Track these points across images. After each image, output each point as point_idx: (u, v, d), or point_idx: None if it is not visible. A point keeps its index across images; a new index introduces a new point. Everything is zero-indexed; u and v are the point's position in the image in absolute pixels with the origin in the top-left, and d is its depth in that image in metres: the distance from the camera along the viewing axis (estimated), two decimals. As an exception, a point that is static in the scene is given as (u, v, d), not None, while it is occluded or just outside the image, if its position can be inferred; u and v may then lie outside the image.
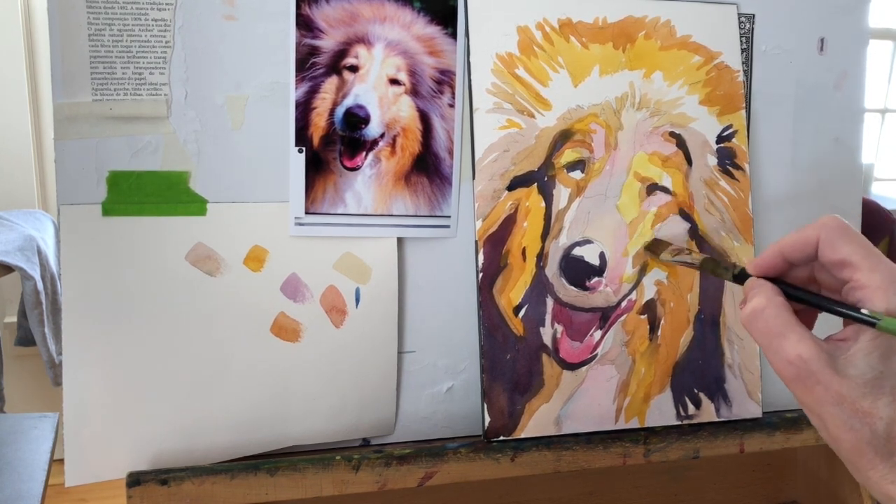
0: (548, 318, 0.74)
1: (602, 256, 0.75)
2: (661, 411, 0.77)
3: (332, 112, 0.70)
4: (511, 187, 0.73)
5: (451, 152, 0.73)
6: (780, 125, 0.82)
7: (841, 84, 0.84)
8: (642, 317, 0.76)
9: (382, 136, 0.71)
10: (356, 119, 0.70)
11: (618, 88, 0.75)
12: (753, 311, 0.43)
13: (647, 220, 0.76)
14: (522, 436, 0.73)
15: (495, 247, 0.72)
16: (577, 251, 0.74)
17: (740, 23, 0.80)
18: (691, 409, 0.77)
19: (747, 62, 0.80)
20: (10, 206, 1.88)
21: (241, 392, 0.70)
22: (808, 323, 0.46)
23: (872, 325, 0.39)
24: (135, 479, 0.65)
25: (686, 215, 0.77)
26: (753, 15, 0.80)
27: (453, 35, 0.72)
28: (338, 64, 0.70)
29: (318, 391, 0.72)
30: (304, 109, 0.69)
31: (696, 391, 0.78)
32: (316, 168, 0.70)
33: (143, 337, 0.68)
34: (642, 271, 0.76)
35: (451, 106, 0.73)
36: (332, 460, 0.69)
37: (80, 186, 0.66)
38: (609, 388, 0.75)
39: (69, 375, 0.67)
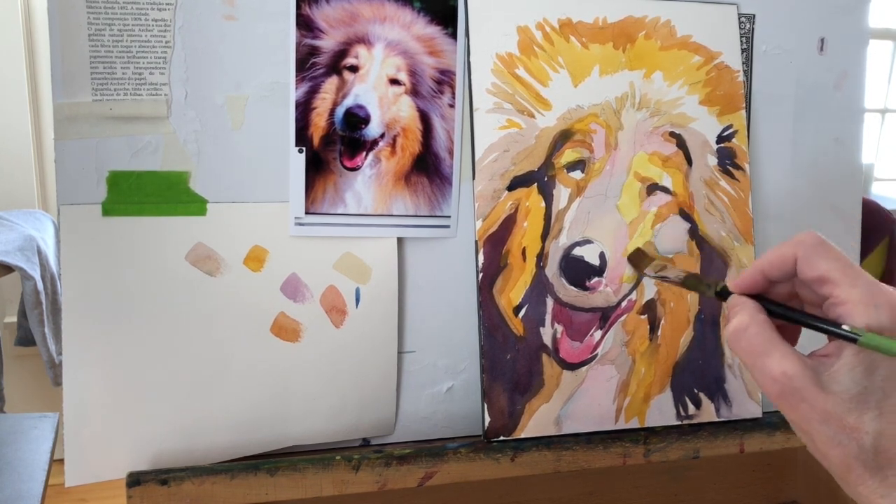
0: (548, 318, 0.74)
1: (602, 256, 0.75)
2: (661, 411, 0.77)
3: (332, 112, 0.70)
4: (511, 187, 0.73)
5: (451, 152, 0.73)
6: (780, 125, 0.82)
7: (841, 84, 0.84)
8: (642, 317, 0.76)
9: (382, 136, 0.71)
10: (356, 119, 0.70)
11: (618, 88, 0.75)
12: (736, 329, 0.43)
13: (648, 220, 0.76)
14: (522, 436, 0.73)
15: (495, 247, 0.72)
16: (577, 251, 0.74)
17: (740, 23, 0.80)
18: (691, 409, 0.77)
19: (747, 62, 0.80)
20: (10, 206, 1.88)
21: (241, 392, 0.70)
22: (793, 339, 0.46)
23: (854, 340, 0.39)
24: (135, 479, 0.65)
25: (686, 215, 0.77)
26: (753, 15, 0.80)
27: (453, 35, 0.72)
28: (338, 64, 0.70)
29: (318, 391, 0.72)
30: (304, 109, 0.69)
31: (696, 391, 0.78)
32: (316, 168, 0.70)
33: (143, 337, 0.68)
34: (642, 271, 0.76)
35: (451, 106, 0.73)
36: (332, 460, 0.69)
37: (80, 186, 0.66)
38: (609, 388, 0.75)
39: (69, 375, 0.67)
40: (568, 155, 0.74)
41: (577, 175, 0.74)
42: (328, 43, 0.69)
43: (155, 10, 0.66)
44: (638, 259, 0.73)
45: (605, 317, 0.75)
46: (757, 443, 0.79)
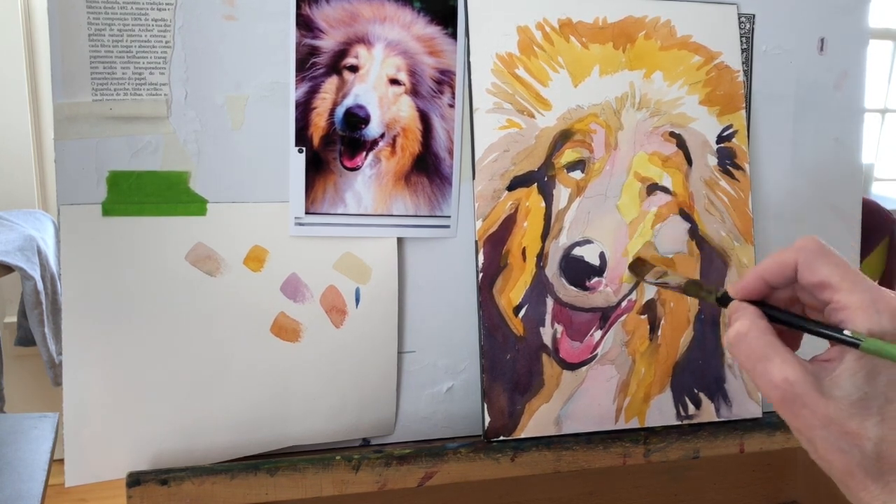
0: (548, 318, 0.74)
1: (602, 256, 0.75)
2: (661, 411, 0.77)
3: (332, 112, 0.70)
4: (511, 187, 0.73)
5: (451, 152, 0.73)
6: (780, 125, 0.82)
7: (841, 84, 0.84)
8: (642, 317, 0.76)
9: (382, 136, 0.71)
10: (356, 119, 0.70)
11: (618, 88, 0.75)
12: (737, 334, 0.43)
13: (648, 220, 0.76)
14: (522, 436, 0.73)
15: (495, 247, 0.72)
16: (577, 251, 0.74)
17: (740, 23, 0.80)
18: (691, 409, 0.77)
19: (747, 62, 0.80)
20: (10, 206, 1.88)
21: (241, 392, 0.70)
22: (793, 344, 0.46)
23: (856, 345, 0.39)
24: (135, 479, 0.65)
25: (686, 215, 0.77)
26: (753, 15, 0.80)
27: (453, 35, 0.72)
28: (338, 64, 0.70)
29: (318, 391, 0.72)
30: (304, 109, 0.69)
31: (696, 391, 0.78)
32: (316, 168, 0.70)
33: (143, 337, 0.68)
34: (642, 271, 0.76)
35: (451, 106, 0.73)
36: (332, 460, 0.69)
37: (80, 186, 0.66)
38: (609, 388, 0.75)
39: (69, 375, 0.67)
40: (568, 155, 0.74)
41: (577, 175, 0.74)
42: (328, 43, 0.69)
43: (155, 10, 0.66)
44: (638, 267, 0.73)
45: (605, 317, 0.75)
46: (757, 443, 0.79)
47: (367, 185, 0.71)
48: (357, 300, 0.72)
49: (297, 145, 0.69)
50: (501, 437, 0.72)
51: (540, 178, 0.73)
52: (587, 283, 0.74)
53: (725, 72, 0.79)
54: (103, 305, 0.67)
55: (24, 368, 2.01)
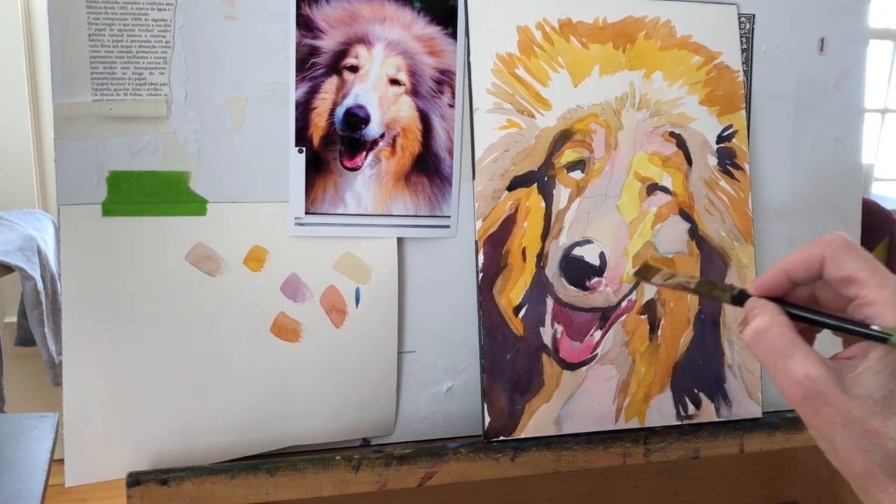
0: (548, 318, 0.74)
1: (602, 256, 0.75)
2: (661, 411, 0.77)
3: (332, 112, 0.70)
4: (511, 187, 0.73)
5: (451, 152, 0.73)
6: (780, 125, 0.82)
7: (841, 84, 0.84)
8: (642, 317, 0.76)
9: (382, 136, 0.71)
10: (356, 119, 0.70)
11: (618, 88, 0.75)
12: (757, 331, 0.42)
13: (648, 220, 0.76)
14: (522, 436, 0.73)
15: (495, 247, 0.72)
16: (577, 251, 0.74)
17: (740, 23, 0.80)
18: (691, 409, 0.77)
19: (747, 62, 0.80)
20: (10, 206, 1.88)
21: (241, 392, 0.70)
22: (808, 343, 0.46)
23: (884, 340, 0.38)
24: (135, 479, 0.65)
25: (686, 215, 0.77)
26: (753, 15, 0.80)
27: (453, 35, 0.72)
28: (338, 64, 0.70)
29: (318, 391, 0.72)
30: (304, 109, 0.69)
31: (696, 391, 0.78)
32: (316, 168, 0.70)
33: (143, 337, 0.68)
34: (642, 271, 0.76)
35: (451, 106, 0.73)
36: (332, 460, 0.69)
37: (80, 186, 0.66)
38: (609, 388, 0.75)
39: (69, 375, 0.67)
40: (568, 155, 0.74)
41: (577, 175, 0.74)
42: (328, 43, 0.69)
43: (155, 10, 0.66)
44: (645, 272, 0.70)
45: (605, 317, 0.75)
46: (757, 443, 0.79)
47: (367, 185, 0.71)
48: (357, 300, 0.72)
49: (297, 145, 0.69)
50: (501, 437, 0.72)
51: (540, 178, 0.73)
52: (587, 283, 0.74)
53: (725, 72, 0.79)
54: (103, 305, 0.67)
55: (24, 368, 2.01)
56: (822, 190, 0.84)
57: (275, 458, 0.69)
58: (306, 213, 0.70)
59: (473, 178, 0.72)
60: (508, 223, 0.73)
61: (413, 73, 0.71)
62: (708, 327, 0.78)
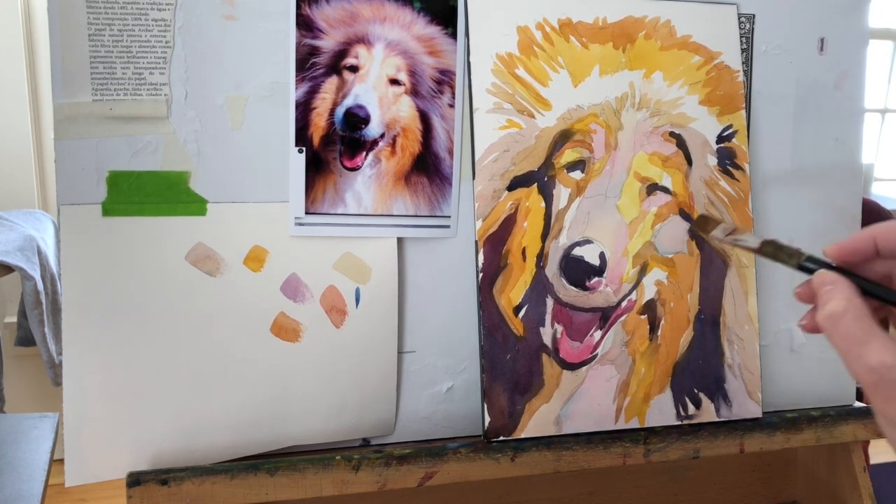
0: (548, 318, 0.74)
1: (602, 256, 0.75)
2: (661, 411, 0.77)
3: (332, 112, 0.70)
4: (511, 187, 0.73)
5: (451, 152, 0.73)
6: (780, 125, 0.82)
7: (841, 84, 0.84)
8: (642, 317, 0.76)
9: (382, 136, 0.71)
10: (356, 119, 0.70)
11: (618, 88, 0.75)
12: (832, 314, 0.41)
13: (648, 220, 0.76)
14: (522, 436, 0.73)
15: (495, 247, 0.72)
16: (577, 251, 0.74)
17: (740, 23, 0.80)
18: (691, 409, 0.77)
19: (747, 62, 0.80)
20: (10, 206, 1.88)
21: (241, 392, 0.70)
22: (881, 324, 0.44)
23: None
24: (135, 479, 0.65)
25: (686, 215, 0.77)
26: (753, 15, 0.80)
27: (453, 35, 0.72)
28: (338, 64, 0.70)
29: (318, 391, 0.72)
30: (304, 109, 0.69)
31: (696, 391, 0.78)
32: (316, 168, 0.70)
33: (143, 337, 0.68)
34: (642, 271, 0.76)
35: (451, 106, 0.73)
36: (332, 460, 0.69)
37: (80, 186, 0.66)
38: (609, 388, 0.75)
39: (69, 375, 0.67)
40: (568, 155, 0.74)
41: (577, 175, 0.74)
42: (328, 43, 0.69)
43: (155, 10, 0.66)
44: (703, 224, 0.61)
45: (605, 317, 0.75)
46: (757, 443, 0.79)
47: (367, 185, 0.71)
48: (357, 300, 0.72)
49: (297, 145, 0.69)
50: (501, 437, 0.72)
51: (540, 178, 0.73)
52: (587, 283, 0.74)
53: (725, 72, 0.79)
54: (103, 305, 0.67)
55: (24, 368, 2.01)
56: (822, 190, 0.84)
57: (275, 458, 0.69)
58: (306, 213, 0.70)
59: (473, 178, 0.72)
60: (508, 223, 0.73)
61: (413, 73, 0.71)
62: (708, 327, 0.78)
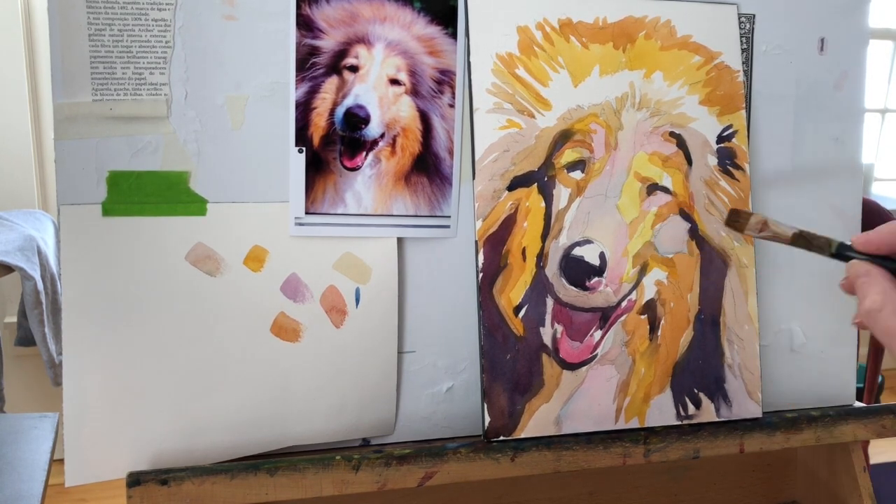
0: (548, 318, 0.74)
1: (602, 256, 0.75)
2: (661, 411, 0.77)
3: (332, 112, 0.70)
4: (511, 187, 0.73)
5: (451, 152, 0.73)
6: (780, 125, 0.82)
7: (841, 84, 0.84)
8: (642, 317, 0.76)
9: (382, 136, 0.71)
10: (356, 119, 0.70)
11: (618, 88, 0.75)
12: (870, 310, 0.42)
13: (648, 220, 0.76)
14: (522, 436, 0.73)
15: (495, 247, 0.72)
16: (577, 251, 0.74)
17: (740, 23, 0.80)
18: (691, 409, 0.77)
19: (747, 62, 0.80)
20: (10, 206, 1.88)
21: (241, 392, 0.70)
22: None
23: None
24: (135, 479, 0.65)
25: (686, 215, 0.77)
26: (753, 15, 0.80)
27: (453, 35, 0.72)
28: (338, 64, 0.70)
29: (318, 391, 0.72)
30: (304, 109, 0.69)
31: (696, 391, 0.78)
32: (316, 168, 0.70)
33: (143, 337, 0.68)
34: (642, 271, 0.76)
35: (451, 106, 0.73)
36: (332, 460, 0.69)
37: (80, 186, 0.66)
38: (609, 388, 0.75)
39: (69, 375, 0.67)
40: (568, 155, 0.74)
41: (577, 175, 0.74)
42: (328, 43, 0.69)
43: (155, 10, 0.66)
44: (735, 219, 0.61)
45: (605, 317, 0.75)
46: (757, 443, 0.79)
47: (367, 185, 0.71)
48: (357, 300, 0.72)
49: (297, 145, 0.69)
50: (501, 437, 0.72)
51: (540, 178, 0.73)
52: (587, 283, 0.74)
53: (725, 72, 0.79)
54: (103, 305, 0.67)
55: (24, 368, 2.01)
56: (822, 190, 0.84)
57: (275, 458, 0.69)
58: (306, 213, 0.70)
59: (473, 178, 0.72)
60: (508, 223, 0.73)
61: (413, 73, 0.71)
62: (708, 327, 0.78)
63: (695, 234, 0.77)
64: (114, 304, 0.67)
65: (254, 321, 0.70)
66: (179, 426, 0.69)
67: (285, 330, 0.71)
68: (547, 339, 0.74)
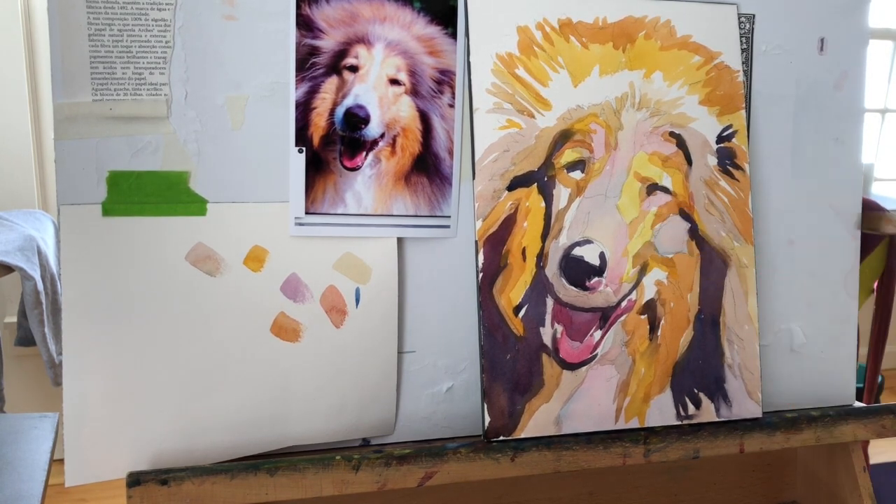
0: (548, 318, 0.74)
1: (602, 256, 0.75)
2: (661, 411, 0.77)
3: (332, 112, 0.70)
4: (511, 187, 0.73)
5: (451, 152, 0.73)
6: (780, 125, 0.82)
7: (841, 84, 0.84)
8: (642, 317, 0.76)
9: (382, 136, 0.71)
10: (356, 119, 0.70)
11: (618, 88, 0.75)
12: None
13: (648, 220, 0.76)
14: (522, 436, 0.73)
15: (495, 247, 0.72)
16: (577, 251, 0.74)
17: (740, 23, 0.80)
18: (691, 409, 0.77)
19: (747, 62, 0.80)
20: (10, 206, 1.88)
21: (241, 392, 0.70)
22: None
23: None
24: (135, 479, 0.65)
25: (686, 215, 0.77)
26: (753, 15, 0.80)
27: (453, 35, 0.72)
28: (338, 64, 0.70)
29: (318, 391, 0.72)
30: (304, 109, 0.69)
31: (696, 391, 0.78)
32: (316, 168, 0.70)
33: (143, 337, 0.68)
34: (642, 271, 0.76)
35: (451, 106, 0.73)
36: (332, 460, 0.69)
37: (80, 186, 0.66)
38: (609, 388, 0.75)
39: (69, 375, 0.67)
40: (568, 155, 0.74)
41: (577, 175, 0.74)
42: (328, 43, 0.69)
43: (155, 10, 0.66)
44: None
45: (605, 317, 0.75)
46: (757, 443, 0.79)
47: (367, 185, 0.71)
48: (357, 300, 0.72)
49: (297, 145, 0.69)
50: (501, 437, 0.72)
51: (540, 178, 0.73)
52: (587, 283, 0.74)
53: (725, 72, 0.79)
54: (103, 305, 0.67)
55: (24, 368, 2.01)
56: (822, 190, 0.84)
57: (275, 458, 0.69)
58: (306, 213, 0.70)
59: (473, 178, 0.72)
60: (508, 223, 0.73)
61: (413, 73, 0.71)
62: (708, 327, 0.78)
63: (695, 234, 0.77)
64: (114, 304, 0.67)
65: (254, 321, 0.70)
66: (179, 426, 0.69)
67: (285, 330, 0.71)
68: (547, 339, 0.74)
